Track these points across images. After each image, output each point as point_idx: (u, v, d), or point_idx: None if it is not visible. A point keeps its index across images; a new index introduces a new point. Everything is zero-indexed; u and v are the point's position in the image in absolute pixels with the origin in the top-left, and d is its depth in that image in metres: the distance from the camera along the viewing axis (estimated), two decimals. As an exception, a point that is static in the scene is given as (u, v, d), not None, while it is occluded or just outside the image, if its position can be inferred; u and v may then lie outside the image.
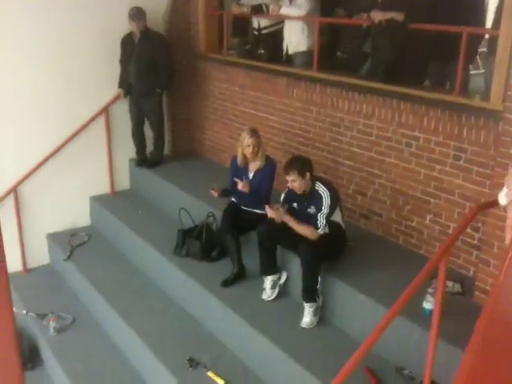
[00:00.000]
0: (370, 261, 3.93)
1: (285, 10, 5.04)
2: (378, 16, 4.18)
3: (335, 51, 5.24)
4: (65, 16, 5.28)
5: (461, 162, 3.61)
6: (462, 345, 3.01)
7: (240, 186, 4.17)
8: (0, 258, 0.97)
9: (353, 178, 4.44)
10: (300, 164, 3.75)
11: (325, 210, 3.65)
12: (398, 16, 4.05)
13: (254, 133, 4.19)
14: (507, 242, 0.71)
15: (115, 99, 5.70)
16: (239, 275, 4.19)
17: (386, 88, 4.05)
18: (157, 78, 5.59)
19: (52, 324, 4.61)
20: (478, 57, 5.24)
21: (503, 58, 3.25)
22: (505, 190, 0.72)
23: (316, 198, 3.71)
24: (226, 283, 4.15)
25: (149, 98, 5.66)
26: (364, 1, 4.92)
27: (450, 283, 3.38)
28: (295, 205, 3.89)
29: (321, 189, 3.71)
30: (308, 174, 3.72)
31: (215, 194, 4.25)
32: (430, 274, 2.91)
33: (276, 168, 4.28)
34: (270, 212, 3.83)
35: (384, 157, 4.15)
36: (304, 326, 3.66)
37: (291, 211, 3.91)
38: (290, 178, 3.72)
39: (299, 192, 3.78)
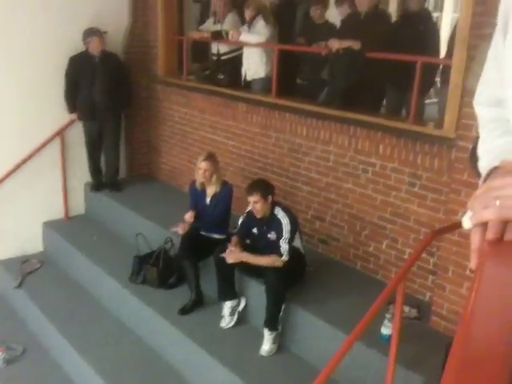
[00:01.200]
0: (328, 286, 3.93)
1: (244, 37, 5.09)
2: (335, 44, 4.27)
3: (295, 78, 5.33)
4: (21, 39, 5.17)
5: (416, 189, 3.69)
6: (420, 369, 3.04)
7: (180, 230, 4.18)
8: None
9: (311, 203, 4.47)
10: (264, 186, 3.78)
11: (286, 235, 3.65)
12: (355, 44, 4.15)
13: (209, 157, 4.17)
14: (472, 266, 0.71)
15: (71, 122, 5.59)
16: (197, 302, 4.11)
17: (343, 115, 4.12)
18: (118, 98, 5.54)
19: (1, 355, 4.40)
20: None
21: (456, 87, 3.36)
22: (468, 213, 0.73)
23: (275, 223, 3.71)
24: (184, 311, 4.06)
25: (111, 119, 5.58)
26: (323, 30, 5.04)
27: (406, 308, 3.41)
28: (255, 230, 3.87)
29: (280, 213, 3.72)
30: (270, 198, 3.73)
31: (180, 231, 4.20)
32: (387, 300, 2.94)
33: (233, 192, 4.27)
34: (226, 257, 3.77)
35: (341, 182, 4.20)
36: (263, 353, 3.61)
37: (251, 237, 3.90)
38: (252, 198, 3.70)
39: (259, 216, 3.76)
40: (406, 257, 3.73)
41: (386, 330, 3.24)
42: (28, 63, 5.26)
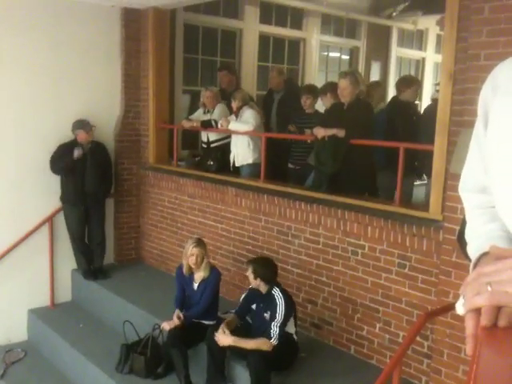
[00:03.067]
0: (322, 372, 3.83)
1: (233, 126, 5.28)
2: (320, 132, 4.45)
3: (286, 163, 5.48)
4: (16, 122, 5.31)
5: (406, 270, 3.71)
6: None
7: (166, 326, 4.12)
8: None
9: (302, 285, 4.44)
10: (259, 265, 3.85)
11: (279, 317, 3.62)
12: (340, 132, 4.32)
13: (198, 243, 4.21)
14: (468, 352, 0.72)
15: (59, 209, 5.61)
16: None
17: (331, 198, 4.22)
18: (103, 186, 5.67)
19: None
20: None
21: (439, 171, 3.48)
22: (461, 299, 0.75)
23: (272, 304, 3.70)
24: None
25: (99, 206, 5.68)
26: (313, 119, 5.26)
27: (403, 394, 3.31)
28: (254, 306, 3.85)
29: (277, 294, 3.70)
30: (259, 280, 3.77)
31: (167, 327, 4.13)
32: (383, 386, 2.87)
33: (220, 276, 4.26)
34: (216, 338, 3.73)
35: (332, 265, 4.21)
36: None
37: (250, 314, 3.85)
38: (247, 272, 3.86)
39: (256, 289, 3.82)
40: (399, 340, 3.68)
41: (383, 418, 3.12)
42: (16, 147, 5.36)
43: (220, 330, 3.72)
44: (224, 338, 3.69)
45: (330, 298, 4.23)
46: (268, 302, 3.73)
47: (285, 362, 3.74)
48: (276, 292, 3.73)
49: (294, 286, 4.51)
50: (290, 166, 5.49)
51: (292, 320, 3.77)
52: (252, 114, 5.27)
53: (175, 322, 4.13)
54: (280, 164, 5.45)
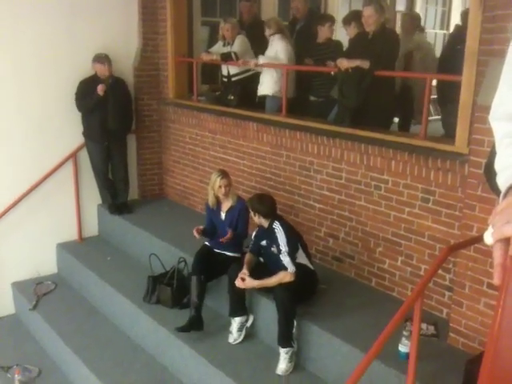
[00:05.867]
0: (343, 304, 3.91)
1: (261, 61, 5.18)
2: (344, 63, 4.32)
3: (308, 96, 5.37)
4: (31, 63, 5.27)
5: (429, 204, 3.69)
6: (438, 388, 3.01)
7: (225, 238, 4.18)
8: None
9: (324, 220, 4.47)
10: (255, 202, 3.91)
11: (283, 248, 3.69)
12: (364, 63, 4.19)
13: (224, 174, 4.23)
14: (496, 282, 0.72)
15: (83, 145, 5.66)
16: (195, 319, 4.01)
17: (354, 132, 4.15)
18: (124, 121, 5.66)
19: (17, 377, 4.40)
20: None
21: (466, 102, 3.37)
22: (490, 229, 0.74)
23: (274, 236, 3.78)
24: (182, 329, 3.99)
25: (117, 142, 5.69)
26: (328, 49, 5.12)
27: (424, 325, 3.39)
28: (263, 242, 3.92)
29: (277, 227, 3.78)
30: (258, 216, 3.86)
31: (197, 235, 4.21)
32: (404, 317, 2.92)
33: (247, 206, 4.28)
34: (240, 284, 3.81)
35: (354, 199, 4.20)
36: (280, 373, 3.59)
37: (262, 252, 3.91)
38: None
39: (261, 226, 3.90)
40: (421, 273, 3.72)
41: (403, 347, 3.21)
42: (39, 87, 5.36)
43: (239, 278, 3.79)
44: (246, 283, 3.78)
45: (351, 233, 4.26)
46: (271, 236, 3.81)
47: (306, 292, 3.82)
48: (276, 225, 3.80)
49: (315, 221, 4.54)
50: (312, 98, 5.38)
51: (301, 251, 3.82)
52: (283, 46, 5.18)
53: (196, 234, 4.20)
54: (302, 97, 5.35)
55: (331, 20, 5.46)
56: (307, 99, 5.38)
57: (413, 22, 5.99)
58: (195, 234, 4.21)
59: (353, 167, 4.18)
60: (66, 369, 4.57)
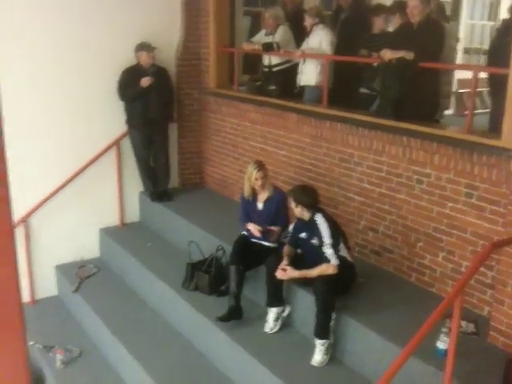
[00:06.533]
0: (381, 298, 3.89)
1: (313, 40, 5.15)
2: (387, 54, 4.25)
3: (355, 87, 5.28)
4: (79, 49, 5.39)
5: (473, 200, 3.61)
6: (477, 386, 2.96)
7: (255, 232, 4.21)
8: (16, 287, 0.97)
9: (363, 213, 4.43)
10: (298, 192, 3.88)
11: (327, 240, 3.67)
12: (408, 54, 4.12)
13: (260, 166, 4.24)
14: None
15: (126, 133, 5.77)
16: (235, 309, 4.06)
17: (396, 125, 4.09)
18: (166, 110, 5.75)
19: (59, 356, 4.57)
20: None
21: (514, 96, 3.28)
22: None
23: (316, 229, 3.75)
24: (222, 318, 4.04)
25: (159, 130, 5.77)
26: (383, 40, 5.02)
27: (463, 323, 3.34)
28: (302, 235, 3.91)
29: (319, 219, 3.76)
30: (300, 207, 3.81)
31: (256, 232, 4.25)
32: (444, 313, 2.89)
33: (285, 196, 4.27)
34: (281, 275, 3.81)
35: (395, 193, 4.15)
36: (315, 364, 3.60)
37: (300, 242, 3.91)
38: (290, 202, 3.91)
39: (301, 218, 3.87)
40: (463, 270, 3.65)
41: (442, 344, 3.17)
42: (82, 76, 5.47)
43: (280, 269, 3.80)
44: (287, 274, 3.79)
45: (391, 226, 4.21)
46: (313, 228, 3.78)
47: (344, 285, 3.81)
48: (318, 217, 3.77)
49: (354, 214, 4.51)
50: (363, 91, 5.26)
51: (342, 244, 3.80)
52: (327, 36, 5.14)
53: (256, 231, 4.22)
54: (349, 89, 5.26)
55: (387, 11, 5.36)
56: (353, 90, 5.29)
57: (438, 11, 5.82)
58: (256, 232, 4.23)
59: (394, 160, 4.13)
60: (106, 350, 4.71)
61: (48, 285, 5.65)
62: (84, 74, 5.48)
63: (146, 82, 5.42)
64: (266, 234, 4.24)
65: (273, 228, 4.21)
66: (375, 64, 4.61)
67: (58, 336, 4.90)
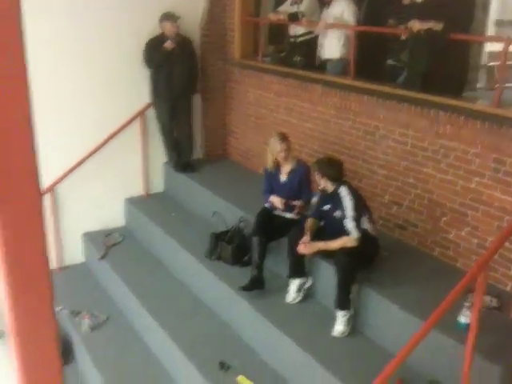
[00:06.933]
0: (404, 272, 3.90)
1: (334, 11, 5.06)
2: (416, 25, 4.16)
3: (381, 59, 5.18)
4: (102, 21, 5.38)
5: (500, 175, 3.57)
6: (497, 360, 2.98)
7: (279, 204, 4.22)
8: (44, 254, 1.00)
9: (388, 187, 4.42)
10: (323, 164, 3.87)
11: (349, 213, 3.67)
12: (437, 25, 4.02)
13: (283, 138, 4.24)
14: None
15: (151, 104, 5.79)
16: (257, 279, 4.12)
17: (424, 97, 4.03)
18: (190, 82, 5.74)
19: (86, 321, 4.70)
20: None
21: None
22: None
23: (339, 201, 3.75)
24: (245, 288, 4.12)
25: (186, 101, 5.78)
26: (413, 11, 4.90)
27: (487, 297, 3.34)
28: (326, 207, 3.92)
29: (343, 192, 3.75)
30: (325, 179, 3.80)
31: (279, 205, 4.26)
32: (466, 288, 2.89)
33: (308, 169, 4.28)
34: (303, 249, 3.84)
35: (420, 167, 4.12)
36: (336, 334, 3.65)
37: (323, 214, 3.93)
38: (314, 173, 3.92)
39: (325, 190, 3.87)
40: (487, 245, 3.63)
41: (464, 318, 3.19)
42: (105, 47, 5.46)
43: (301, 243, 3.83)
44: (309, 247, 3.82)
45: (416, 201, 4.19)
46: (336, 200, 3.78)
47: (367, 258, 3.82)
48: (342, 190, 3.76)
49: (378, 187, 4.50)
50: (390, 62, 5.17)
51: (366, 217, 3.80)
52: (350, 7, 5.03)
53: (279, 203, 4.24)
54: (375, 61, 5.16)
55: None
56: (379, 62, 5.19)
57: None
58: (280, 205, 4.25)
59: (421, 133, 4.08)
60: (131, 317, 4.83)
61: (75, 252, 5.78)
62: (107, 45, 5.47)
63: (169, 44, 5.40)
64: (288, 207, 4.26)
65: (295, 203, 4.22)
66: (403, 35, 4.52)
67: (85, 302, 5.04)
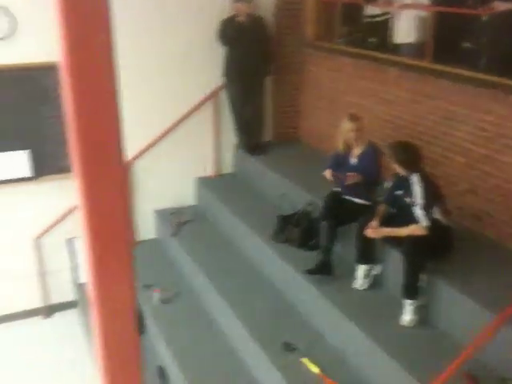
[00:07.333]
0: (478, 264, 3.77)
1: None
2: (500, 6, 3.95)
3: (459, 41, 4.96)
4: (174, 5, 5.48)
5: None
6: None
7: (328, 175, 4.21)
8: (126, 227, 1.05)
9: (464, 175, 4.25)
10: (398, 149, 3.76)
11: (419, 200, 3.58)
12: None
13: (354, 118, 4.18)
14: None
15: (224, 85, 5.85)
16: (324, 264, 4.11)
17: (505, 82, 3.82)
18: (263, 63, 5.73)
19: (156, 295, 4.89)
20: None
21: None
22: None
23: (411, 188, 3.66)
24: (310, 271, 4.12)
25: (258, 82, 5.80)
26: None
27: None
28: (399, 192, 3.83)
29: (415, 179, 3.65)
30: (399, 164, 3.70)
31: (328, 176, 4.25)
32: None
33: (379, 153, 4.19)
34: (370, 233, 3.80)
35: (500, 155, 3.93)
36: (403, 323, 3.60)
37: (396, 200, 3.85)
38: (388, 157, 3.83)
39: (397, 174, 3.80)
40: None
41: (541, 314, 3.04)
42: (179, 27, 5.56)
43: (370, 228, 3.78)
44: (377, 232, 3.78)
45: (494, 190, 4.01)
46: (408, 186, 3.68)
47: (438, 248, 3.72)
48: (414, 176, 3.65)
49: (454, 175, 4.34)
50: (468, 45, 4.93)
51: (437, 206, 3.68)
52: None
53: (329, 176, 4.25)
54: (452, 43, 4.95)
55: None
56: (457, 44, 4.98)
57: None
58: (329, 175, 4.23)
59: (501, 120, 3.89)
60: (199, 292, 4.98)
61: (148, 228, 6.00)
62: (180, 25, 5.56)
63: (241, 18, 5.38)
64: (356, 190, 4.18)
65: (349, 174, 4.11)
66: (484, 16, 4.29)
67: (156, 276, 5.23)
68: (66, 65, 0.84)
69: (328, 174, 4.24)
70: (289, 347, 3.80)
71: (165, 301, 4.90)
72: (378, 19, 5.41)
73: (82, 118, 0.89)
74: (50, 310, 5.84)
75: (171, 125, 5.76)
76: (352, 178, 4.09)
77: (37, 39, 4.93)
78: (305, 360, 3.67)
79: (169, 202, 6.02)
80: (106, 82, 0.90)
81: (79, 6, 0.82)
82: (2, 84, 5.06)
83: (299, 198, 4.94)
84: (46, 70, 5.02)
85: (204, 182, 6.07)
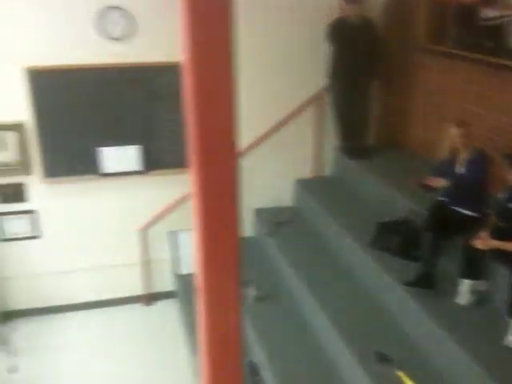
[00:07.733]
0: None
1: None
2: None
3: None
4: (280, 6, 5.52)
5: None
6: None
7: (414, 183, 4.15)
8: (236, 219, 1.07)
9: None
10: None
11: None
12: None
13: (462, 123, 4.03)
14: None
15: (329, 87, 5.82)
16: (426, 277, 3.95)
17: None
18: (371, 67, 5.65)
19: (252, 292, 4.97)
20: None
21: None
22: None
23: None
24: (409, 283, 3.98)
25: (365, 85, 5.71)
26: None
27: None
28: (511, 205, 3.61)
29: None
30: None
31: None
32: None
33: (488, 160, 3.97)
34: (479, 244, 3.61)
35: None
36: (508, 344, 3.38)
37: (507, 214, 3.62)
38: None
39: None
40: None
41: None
42: (284, 29, 5.60)
43: (481, 238, 3.59)
44: (486, 242, 3.57)
45: None
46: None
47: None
48: None
49: None
50: None
51: None
52: None
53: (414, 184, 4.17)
54: None
55: None
56: None
57: None
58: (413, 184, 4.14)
59: None
60: (293, 293, 4.99)
61: (247, 225, 6.11)
62: (285, 29, 5.61)
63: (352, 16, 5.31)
64: (465, 201, 3.98)
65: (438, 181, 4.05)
66: None
67: (252, 274, 5.31)
68: (188, 64, 0.88)
69: (412, 182, 4.09)
70: (383, 357, 3.69)
71: (259, 299, 4.97)
72: (495, 22, 5.09)
73: (201, 115, 0.92)
74: (150, 298, 6.15)
75: (275, 125, 5.83)
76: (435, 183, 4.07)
77: (154, 40, 5.22)
78: (400, 373, 3.55)
79: (268, 201, 6.10)
80: (225, 82, 0.92)
81: (203, 5, 0.85)
82: (121, 82, 5.40)
83: (401, 205, 4.80)
84: (161, 70, 5.30)
85: (303, 184, 6.07)
